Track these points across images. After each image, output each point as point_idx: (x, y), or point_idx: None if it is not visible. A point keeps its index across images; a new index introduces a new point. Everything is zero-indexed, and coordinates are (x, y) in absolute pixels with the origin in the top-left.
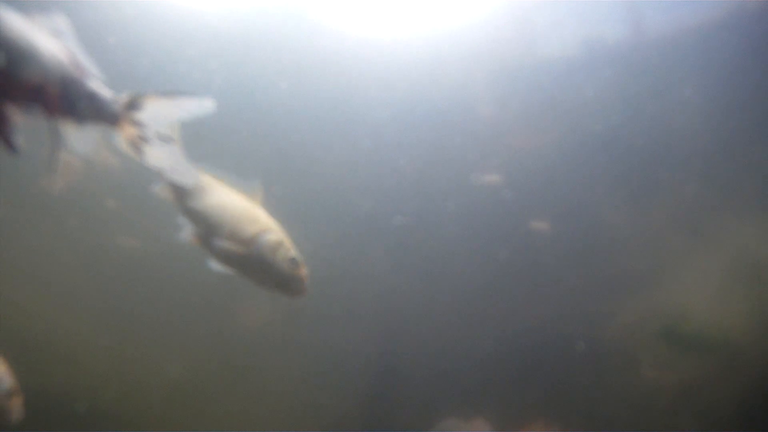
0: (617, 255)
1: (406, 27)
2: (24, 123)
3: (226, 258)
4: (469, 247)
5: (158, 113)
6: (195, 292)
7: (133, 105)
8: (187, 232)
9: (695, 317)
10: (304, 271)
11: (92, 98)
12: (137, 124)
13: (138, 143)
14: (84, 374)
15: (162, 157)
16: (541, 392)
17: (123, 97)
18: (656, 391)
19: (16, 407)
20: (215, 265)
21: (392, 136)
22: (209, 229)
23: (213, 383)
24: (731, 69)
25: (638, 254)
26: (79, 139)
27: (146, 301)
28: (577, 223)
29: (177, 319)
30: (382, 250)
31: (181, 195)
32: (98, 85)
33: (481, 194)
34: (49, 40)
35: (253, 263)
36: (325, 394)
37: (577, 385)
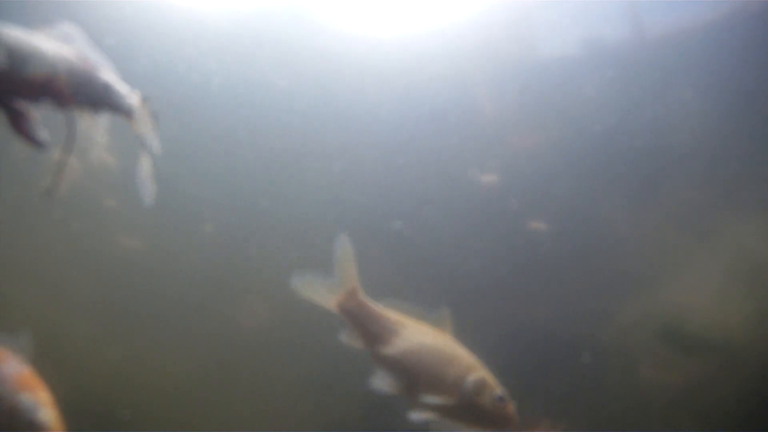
0: (617, 255)
1: (405, 26)
2: (43, 118)
3: (431, 408)
4: (468, 247)
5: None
6: (195, 292)
7: (147, 98)
8: (385, 383)
9: (695, 317)
10: (511, 407)
11: (107, 89)
12: (154, 116)
13: (151, 136)
14: (84, 375)
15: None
16: (541, 392)
17: (139, 91)
18: (656, 391)
19: None
20: (416, 415)
21: (391, 135)
22: (408, 378)
23: (213, 383)
24: (732, 69)
25: (638, 254)
26: (93, 128)
27: (147, 301)
28: (577, 223)
29: (177, 320)
30: (381, 249)
31: (373, 342)
32: (113, 78)
33: (480, 194)
34: (51, 42)
35: (459, 409)
36: (325, 394)
37: (576, 385)
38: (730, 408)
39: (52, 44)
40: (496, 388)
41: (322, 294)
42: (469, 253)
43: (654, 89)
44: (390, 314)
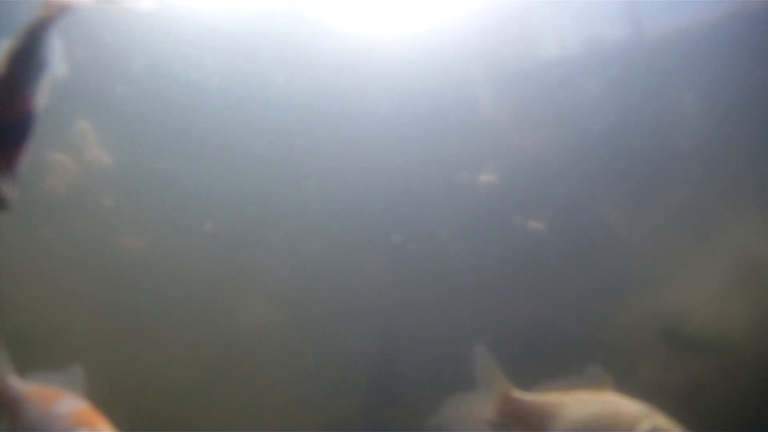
0: (617, 255)
1: (405, 25)
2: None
3: None
4: (468, 246)
5: None
6: (194, 291)
7: None
8: None
9: (695, 317)
10: None
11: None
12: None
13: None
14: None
15: None
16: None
17: None
18: (656, 391)
19: None
20: None
21: (390, 134)
22: None
23: (213, 383)
24: (732, 69)
25: (638, 254)
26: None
27: (147, 300)
28: (577, 222)
29: (176, 319)
30: (381, 249)
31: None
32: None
33: (479, 193)
34: None
35: None
36: (325, 393)
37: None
38: (730, 408)
39: None
40: (670, 428)
41: (478, 408)
42: (469, 253)
43: (654, 89)
44: (546, 399)
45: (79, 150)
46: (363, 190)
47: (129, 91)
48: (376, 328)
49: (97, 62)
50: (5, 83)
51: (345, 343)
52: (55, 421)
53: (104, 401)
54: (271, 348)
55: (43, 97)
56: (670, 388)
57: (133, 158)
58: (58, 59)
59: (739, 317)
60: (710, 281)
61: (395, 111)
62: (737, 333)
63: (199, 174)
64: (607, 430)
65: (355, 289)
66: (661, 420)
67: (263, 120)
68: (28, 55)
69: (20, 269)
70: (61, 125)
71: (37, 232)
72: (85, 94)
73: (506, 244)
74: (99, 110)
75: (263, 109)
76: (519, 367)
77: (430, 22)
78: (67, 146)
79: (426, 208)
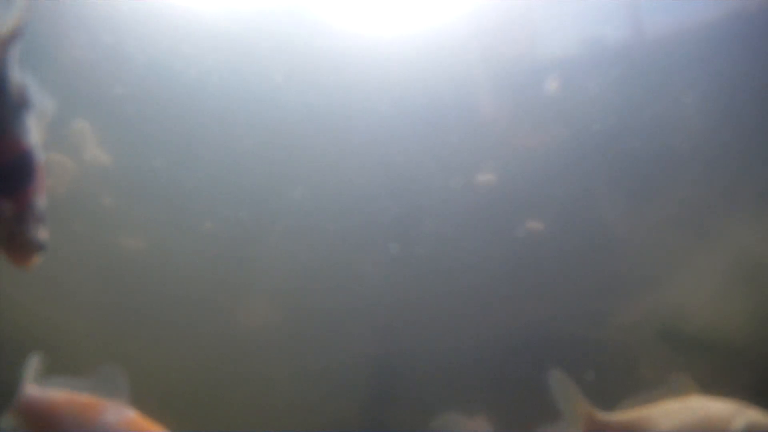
0: (617, 255)
1: (404, 24)
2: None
3: None
4: (468, 246)
5: None
6: (194, 291)
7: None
8: None
9: (695, 317)
10: None
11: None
12: None
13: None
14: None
15: None
16: (541, 392)
17: None
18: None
19: None
20: None
21: (389, 133)
22: None
23: (213, 382)
24: (732, 69)
25: (638, 254)
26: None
27: (146, 299)
28: (577, 223)
29: (175, 318)
30: (380, 248)
31: None
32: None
33: (479, 193)
34: None
35: None
36: (324, 394)
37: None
38: None
39: None
40: (763, 420)
41: None
42: (469, 253)
43: (654, 89)
44: (631, 416)
45: (78, 149)
46: (363, 190)
47: (127, 91)
48: (376, 328)
49: (95, 61)
50: None
51: (345, 342)
52: None
53: None
54: (271, 348)
55: (36, 134)
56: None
57: (132, 158)
58: (37, 92)
59: (739, 317)
60: (710, 281)
61: (395, 110)
62: (737, 333)
63: (199, 173)
64: None
65: (355, 289)
66: (753, 414)
67: (263, 119)
68: None
69: (20, 269)
70: (59, 125)
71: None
72: (83, 93)
73: (506, 244)
74: (97, 109)
75: (263, 109)
76: (518, 368)
77: (430, 22)
78: (66, 146)
79: (426, 208)
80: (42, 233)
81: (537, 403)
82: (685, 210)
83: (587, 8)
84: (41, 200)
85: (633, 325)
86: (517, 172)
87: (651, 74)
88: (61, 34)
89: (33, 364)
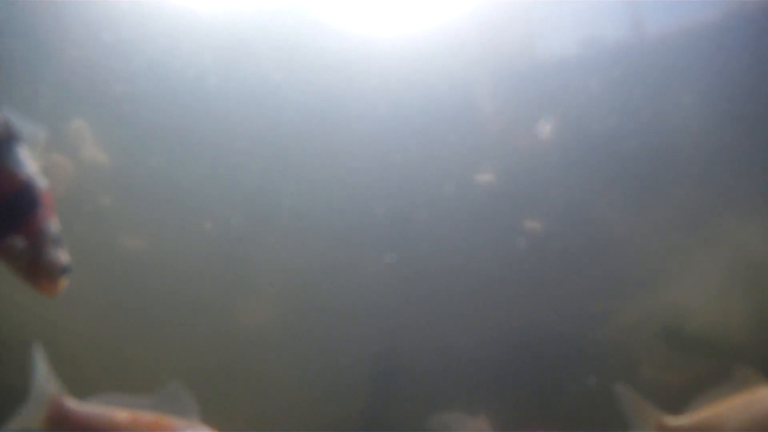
0: (617, 255)
1: (404, 24)
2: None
3: None
4: (467, 246)
5: None
6: (194, 291)
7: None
8: None
9: (695, 317)
10: None
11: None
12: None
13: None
14: (86, 374)
15: None
16: (541, 392)
17: None
18: (656, 391)
19: None
20: None
21: (389, 133)
22: None
23: (213, 382)
24: (732, 69)
25: (638, 254)
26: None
27: (146, 299)
28: (577, 223)
29: (174, 318)
30: (381, 248)
31: None
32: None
33: (480, 193)
34: None
35: None
36: (324, 393)
37: (576, 385)
38: None
39: None
40: None
41: None
42: (469, 253)
43: (654, 89)
44: (702, 417)
45: (76, 149)
46: (363, 190)
47: (125, 90)
48: (376, 327)
49: (93, 60)
50: None
51: (345, 342)
52: None
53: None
54: (272, 347)
55: (32, 162)
56: (670, 388)
57: (131, 157)
58: (22, 123)
59: (739, 317)
60: (710, 281)
61: (395, 110)
62: (737, 333)
63: (198, 173)
64: None
65: (355, 289)
66: None
67: (262, 119)
68: None
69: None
70: (57, 124)
71: None
72: (81, 92)
73: (506, 244)
74: (95, 108)
75: (262, 108)
76: (518, 368)
77: (430, 22)
78: (64, 145)
79: (426, 208)
80: (63, 256)
81: (537, 403)
82: (685, 210)
83: (587, 8)
84: (53, 224)
85: (633, 325)
86: (517, 172)
87: (651, 74)
88: (60, 33)
89: (42, 360)
